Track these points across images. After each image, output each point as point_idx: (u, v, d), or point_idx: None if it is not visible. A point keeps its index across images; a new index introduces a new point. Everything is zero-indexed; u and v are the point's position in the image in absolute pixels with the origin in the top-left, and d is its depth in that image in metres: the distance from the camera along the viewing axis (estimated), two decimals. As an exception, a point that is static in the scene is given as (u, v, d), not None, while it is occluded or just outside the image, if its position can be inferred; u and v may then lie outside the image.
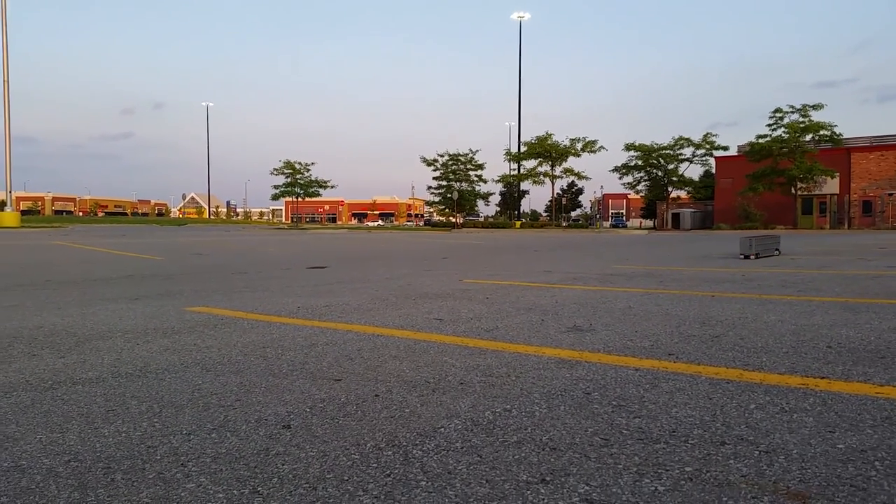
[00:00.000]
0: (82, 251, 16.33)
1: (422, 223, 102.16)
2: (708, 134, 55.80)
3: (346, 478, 1.93)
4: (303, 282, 8.57)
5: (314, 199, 72.19)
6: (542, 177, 59.19)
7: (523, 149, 59.42)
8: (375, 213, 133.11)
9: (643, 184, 61.06)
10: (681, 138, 56.58)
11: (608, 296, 6.66)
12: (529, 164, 59.88)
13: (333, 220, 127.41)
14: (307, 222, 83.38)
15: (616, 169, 60.25)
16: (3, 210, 41.34)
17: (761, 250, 13.38)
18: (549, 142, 57.53)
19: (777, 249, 14.16)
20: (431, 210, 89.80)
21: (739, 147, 59.05)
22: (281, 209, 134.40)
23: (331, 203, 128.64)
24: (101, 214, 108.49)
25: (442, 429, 2.38)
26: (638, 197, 77.28)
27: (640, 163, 58.99)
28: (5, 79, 39.13)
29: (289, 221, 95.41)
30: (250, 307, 5.94)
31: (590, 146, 57.53)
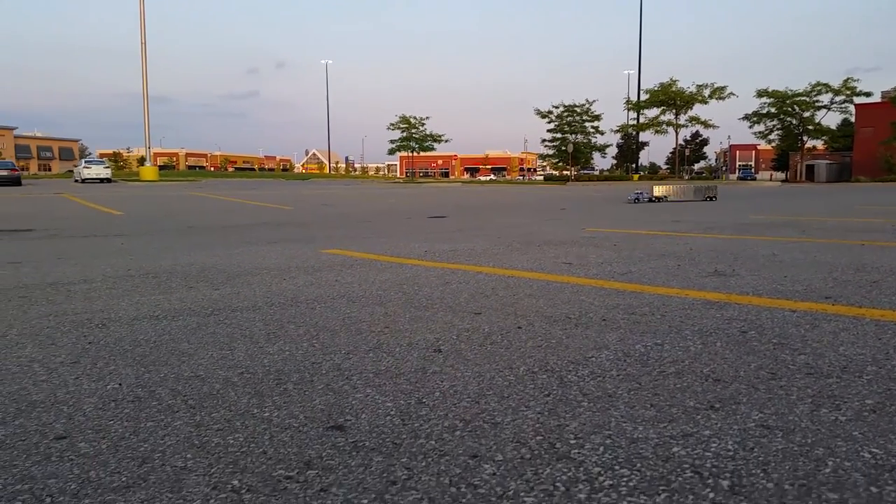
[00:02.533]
0: (217, 201, 17.39)
1: (534, 177, 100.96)
2: (849, 79, 51.22)
3: (505, 395, 1.95)
4: (425, 229, 8.72)
5: (428, 153, 72.89)
6: (664, 126, 56.61)
7: (645, 96, 56.84)
8: (487, 167, 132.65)
9: (775, 133, 57.12)
10: (818, 84, 52.30)
11: (748, 244, 6.32)
12: (651, 113, 57.33)
13: (446, 174, 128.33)
14: (421, 177, 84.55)
15: (746, 117, 56.64)
16: (143, 165, 44.66)
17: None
18: (674, 88, 54.72)
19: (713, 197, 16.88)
20: (544, 164, 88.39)
21: (884, 93, 53.90)
22: (396, 164, 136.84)
23: (444, 158, 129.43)
24: (230, 169, 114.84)
25: (593, 358, 2.36)
26: (769, 147, 72.56)
27: (772, 110, 55.12)
28: (143, 40, 41.72)
29: (403, 176, 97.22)
30: (380, 250, 6.12)
31: (718, 93, 54.27)
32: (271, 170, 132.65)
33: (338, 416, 1.80)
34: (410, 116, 65.89)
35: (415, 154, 68.85)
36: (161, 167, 63.19)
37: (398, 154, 77.14)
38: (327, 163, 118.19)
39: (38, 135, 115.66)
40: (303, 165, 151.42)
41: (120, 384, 2.14)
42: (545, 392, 1.98)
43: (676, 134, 58.00)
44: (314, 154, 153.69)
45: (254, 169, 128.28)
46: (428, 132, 66.15)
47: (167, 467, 1.49)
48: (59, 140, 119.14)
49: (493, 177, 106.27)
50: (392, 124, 66.30)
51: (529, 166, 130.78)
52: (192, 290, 4.10)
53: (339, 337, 2.76)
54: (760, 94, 54.78)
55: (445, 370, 2.23)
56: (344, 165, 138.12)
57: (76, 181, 38.63)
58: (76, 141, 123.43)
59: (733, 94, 55.34)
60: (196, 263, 5.34)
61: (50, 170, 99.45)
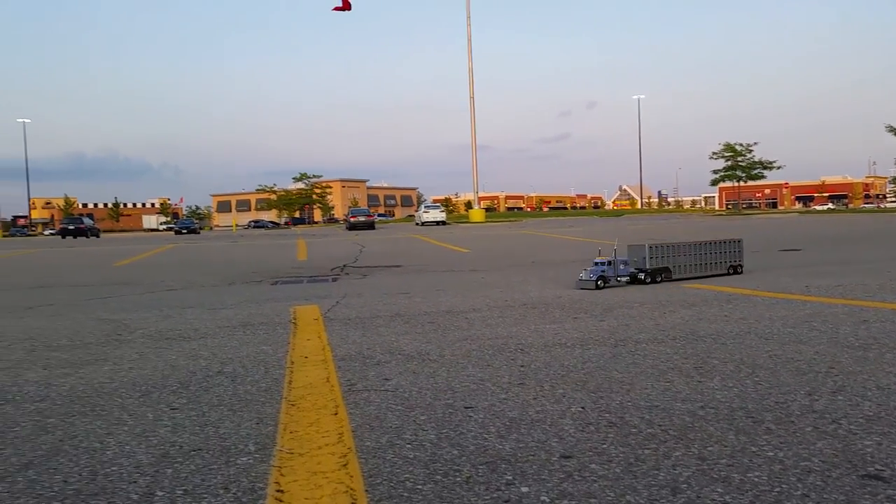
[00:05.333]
0: (544, 238, 18.06)
1: (884, 204, 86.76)
2: None
3: None
4: (785, 263, 7.94)
5: (754, 182, 67.41)
6: None
7: None
8: (824, 195, 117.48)
9: None
10: None
11: None
12: None
13: (773, 205, 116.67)
14: (744, 208, 78.26)
15: None
16: (472, 208, 48.74)
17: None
18: None
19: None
20: (895, 188, 75.74)
21: None
22: (713, 196, 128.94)
23: (770, 187, 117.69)
24: (545, 209, 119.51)
25: None
26: None
27: None
28: (471, 94, 45.86)
29: (723, 208, 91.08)
30: (747, 285, 5.67)
31: None
32: (583, 208, 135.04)
33: (863, 465, 1.58)
34: (736, 143, 61.78)
35: (740, 184, 64.18)
36: (486, 209, 68.59)
37: (717, 186, 72.74)
38: (638, 198, 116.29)
39: (385, 185, 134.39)
40: (613, 202, 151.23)
41: (582, 408, 2.19)
42: None
43: None
44: (625, 190, 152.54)
45: (566, 208, 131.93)
46: (756, 159, 61.27)
47: (705, 500, 1.43)
48: (400, 189, 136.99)
49: (831, 205, 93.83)
50: (715, 153, 62.89)
51: (877, 192, 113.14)
52: (577, 319, 4.18)
53: (780, 376, 2.51)
54: None
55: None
56: (656, 200, 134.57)
57: (417, 224, 43.53)
58: (414, 189, 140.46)
59: None
60: (563, 296, 5.49)
61: (393, 215, 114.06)
